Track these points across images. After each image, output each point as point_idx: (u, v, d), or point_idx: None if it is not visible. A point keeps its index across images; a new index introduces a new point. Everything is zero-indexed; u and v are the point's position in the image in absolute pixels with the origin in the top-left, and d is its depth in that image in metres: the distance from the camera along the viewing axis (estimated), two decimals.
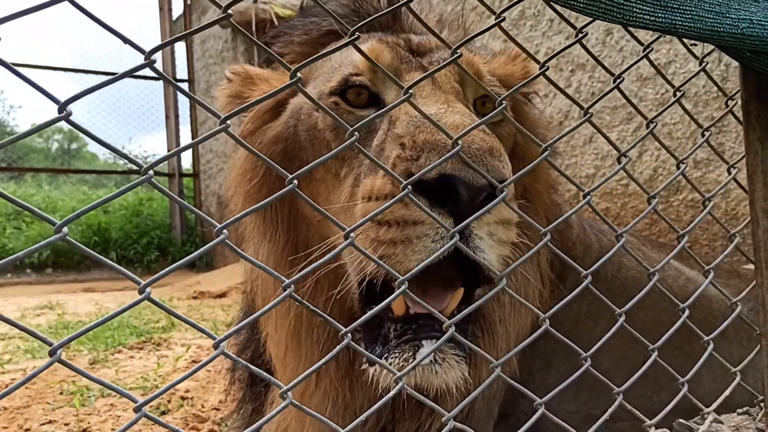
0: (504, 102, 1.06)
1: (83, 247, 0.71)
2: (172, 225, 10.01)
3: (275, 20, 6.79)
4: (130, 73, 0.74)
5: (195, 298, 6.33)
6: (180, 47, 9.91)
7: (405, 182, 0.93)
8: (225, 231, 0.77)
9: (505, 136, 1.37)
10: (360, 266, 1.12)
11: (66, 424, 2.45)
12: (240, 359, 0.82)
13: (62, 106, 0.71)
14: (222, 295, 6.29)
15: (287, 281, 0.82)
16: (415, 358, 1.03)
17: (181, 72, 9.97)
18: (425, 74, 1.02)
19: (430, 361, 1.09)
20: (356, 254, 1.08)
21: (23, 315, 5.15)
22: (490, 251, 1.05)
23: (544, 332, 1.10)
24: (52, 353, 0.67)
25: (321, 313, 0.89)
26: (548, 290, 1.54)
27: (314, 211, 1.32)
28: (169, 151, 10.31)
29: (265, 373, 0.86)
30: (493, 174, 0.99)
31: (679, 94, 1.22)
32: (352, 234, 0.87)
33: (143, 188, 12.55)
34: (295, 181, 0.82)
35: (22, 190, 12.57)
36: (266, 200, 0.84)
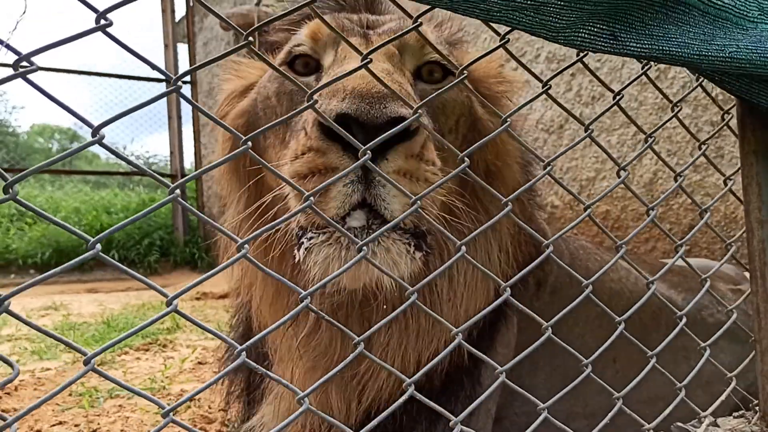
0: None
1: (117, 263, 0.76)
2: (174, 226, 10.06)
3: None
4: (160, 98, 0.78)
5: (198, 299, 6.37)
6: (182, 49, 9.96)
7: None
8: (246, 246, 0.82)
9: (450, 101, 1.37)
10: (296, 219, 1.16)
11: (76, 425, 2.49)
12: (259, 367, 0.87)
13: (95, 130, 0.75)
14: (225, 296, 6.33)
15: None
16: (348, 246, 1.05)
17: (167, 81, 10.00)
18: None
19: (364, 242, 1.00)
20: (290, 197, 1.17)
21: (28, 316, 5.20)
22: (393, 201, 1.07)
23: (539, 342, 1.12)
24: (86, 362, 0.72)
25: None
26: (512, 270, 1.53)
27: (272, 179, 1.41)
28: (171, 151, 10.33)
29: (271, 374, 0.91)
30: (392, 116, 1.01)
31: (677, 108, 1.27)
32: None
33: (146, 189, 12.61)
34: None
35: (25, 191, 12.61)
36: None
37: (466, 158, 1.05)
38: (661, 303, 1.39)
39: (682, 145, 3.98)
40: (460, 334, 1.05)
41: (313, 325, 1.34)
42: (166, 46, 9.92)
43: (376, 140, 0.97)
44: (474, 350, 1.08)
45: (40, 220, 9.74)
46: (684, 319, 1.31)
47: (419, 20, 1.03)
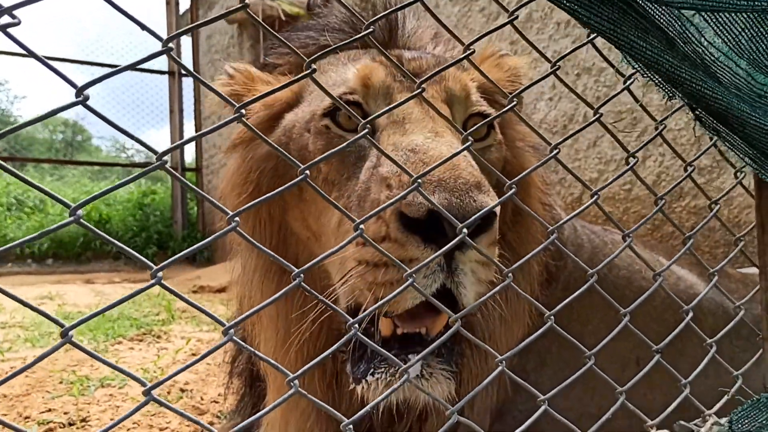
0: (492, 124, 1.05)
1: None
2: (173, 219, 10.02)
3: (282, 17, 6.79)
4: (149, 60, 0.75)
5: (195, 292, 6.34)
6: (186, 42, 9.92)
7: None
8: (237, 219, 0.78)
9: (495, 161, 1.35)
10: (352, 296, 1.13)
11: (65, 413, 2.45)
12: (248, 347, 0.83)
13: (79, 91, 0.71)
14: (222, 290, 6.30)
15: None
16: (400, 377, 1.03)
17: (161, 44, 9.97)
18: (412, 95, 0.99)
19: (417, 375, 1.10)
20: (347, 281, 1.11)
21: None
22: (470, 288, 1.07)
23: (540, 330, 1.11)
24: (63, 334, 0.68)
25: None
26: (538, 292, 1.54)
27: (304, 228, 1.34)
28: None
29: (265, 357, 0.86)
30: (480, 208, 0.99)
31: (661, 127, 1.23)
32: (362, 226, 0.87)
33: (146, 181, 12.58)
34: (307, 172, 0.83)
35: None
36: (271, 194, 0.85)
37: (513, 186, 1.06)
38: (709, 309, 1.33)
39: (687, 147, 3.94)
40: (503, 362, 1.06)
41: None
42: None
43: (470, 220, 0.97)
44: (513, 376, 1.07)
45: (38, 211, 9.71)
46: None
47: (470, 49, 0.99)
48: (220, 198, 1.45)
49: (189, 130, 10.11)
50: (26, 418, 2.38)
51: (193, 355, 3.39)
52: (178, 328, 4.15)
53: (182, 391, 2.70)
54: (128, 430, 2.30)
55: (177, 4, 10.00)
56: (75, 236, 9.13)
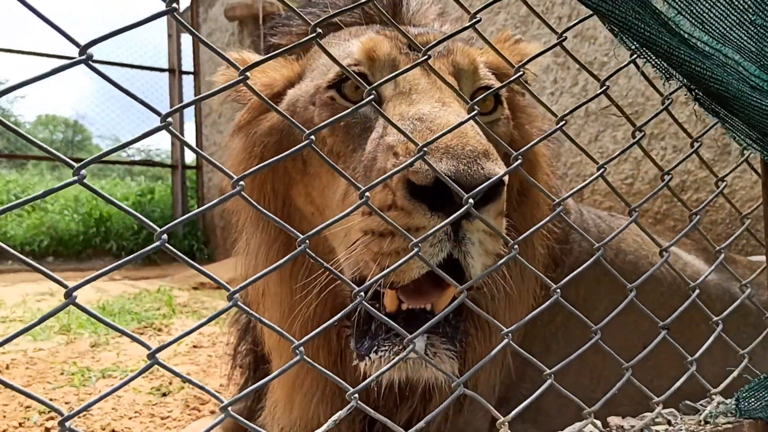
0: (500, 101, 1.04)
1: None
2: (174, 217, 10.01)
3: (283, 13, 6.77)
4: (148, 21, 0.74)
5: (195, 288, 6.34)
6: (186, 39, 9.91)
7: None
8: (241, 183, 0.77)
9: (501, 135, 1.34)
10: (357, 268, 1.11)
11: (67, 403, 2.45)
12: (252, 312, 0.82)
13: (83, 49, 0.70)
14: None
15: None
16: (405, 350, 1.02)
17: (187, 64, 9.96)
18: (417, 62, 0.98)
19: (423, 354, 1.09)
20: (352, 253, 1.09)
21: (24, 301, 5.15)
22: (477, 259, 1.05)
23: (545, 316, 1.09)
24: (67, 295, 0.67)
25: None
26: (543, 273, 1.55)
27: (308, 203, 1.33)
28: (172, 143, 10.31)
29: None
30: (488, 175, 0.98)
31: (697, 145, 1.23)
32: (367, 194, 0.86)
33: (146, 180, 12.57)
34: (312, 137, 0.82)
35: (24, 179, 12.59)
36: (276, 158, 0.84)
37: (520, 157, 1.05)
38: (717, 294, 1.31)
39: (688, 141, 3.94)
40: (509, 334, 1.05)
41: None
42: (169, 36, 9.88)
43: (477, 189, 0.96)
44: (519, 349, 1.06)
45: (38, 208, 9.70)
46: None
47: (475, 18, 0.97)
48: (225, 179, 1.44)
49: (189, 129, 10.12)
50: (27, 407, 2.37)
51: (195, 347, 3.38)
52: (179, 322, 4.14)
53: (184, 381, 2.69)
54: (130, 419, 2.29)
55: (177, 1, 9.99)
56: (75, 234, 9.12)
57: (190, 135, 10.28)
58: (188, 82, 9.98)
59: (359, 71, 1.26)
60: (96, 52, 0.72)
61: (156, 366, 0.74)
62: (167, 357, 3.13)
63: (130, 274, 8.18)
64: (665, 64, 1.13)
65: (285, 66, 1.45)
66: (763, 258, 1.93)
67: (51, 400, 2.47)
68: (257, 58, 1.48)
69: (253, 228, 1.40)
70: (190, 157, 10.62)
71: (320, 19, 0.84)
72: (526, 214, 1.45)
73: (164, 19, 10.03)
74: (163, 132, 0.74)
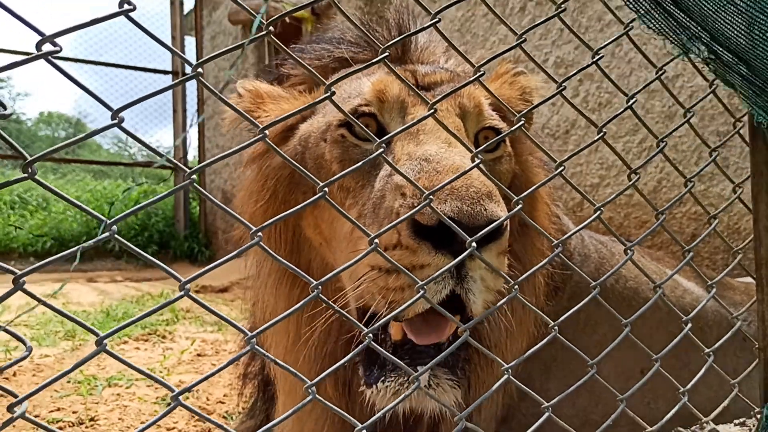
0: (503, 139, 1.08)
1: (137, 249, 0.76)
2: (175, 219, 10.05)
3: (287, 19, 6.81)
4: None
5: (197, 292, 6.38)
6: (190, 43, 9.96)
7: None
8: (260, 234, 0.82)
9: (504, 172, 1.40)
10: (363, 301, 1.17)
11: (74, 412, 2.49)
12: (269, 355, 0.87)
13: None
14: (224, 290, 6.34)
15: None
16: (410, 383, 1.07)
17: (191, 68, 9.99)
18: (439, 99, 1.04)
19: (425, 385, 1.14)
20: (358, 285, 1.14)
21: (28, 303, 5.12)
22: (479, 295, 1.10)
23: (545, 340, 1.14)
24: (98, 343, 0.72)
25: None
26: (543, 303, 1.58)
27: (317, 234, 1.38)
28: (174, 143, 10.35)
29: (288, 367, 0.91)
30: (491, 217, 1.03)
31: (689, 114, 1.27)
32: (376, 240, 0.91)
33: (148, 180, 12.60)
34: (326, 189, 0.87)
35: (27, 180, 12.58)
36: (291, 211, 0.89)
37: (520, 202, 1.10)
38: (714, 321, 1.35)
39: (688, 154, 3.98)
40: (509, 370, 1.10)
41: None
42: (173, 38, 9.92)
43: (481, 233, 1.01)
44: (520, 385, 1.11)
45: (41, 209, 9.75)
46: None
47: (480, 71, 1.03)
48: (238, 207, 1.49)
49: (192, 131, 10.16)
50: (36, 416, 2.42)
51: (198, 355, 3.43)
52: (183, 329, 4.19)
53: (188, 391, 2.74)
54: (136, 429, 2.34)
55: (181, 4, 10.03)
56: (78, 235, 9.17)
57: (193, 136, 10.34)
58: (191, 84, 10.03)
59: (369, 111, 1.31)
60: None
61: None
62: (171, 365, 3.18)
63: (131, 275, 8.23)
64: (684, 37, 1.12)
65: (298, 99, 1.50)
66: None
67: (58, 409, 2.52)
68: (268, 88, 1.53)
69: (263, 257, 1.45)
70: (192, 158, 10.68)
71: (336, 78, 0.89)
72: (527, 244, 1.49)
73: (167, 22, 10.08)
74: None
